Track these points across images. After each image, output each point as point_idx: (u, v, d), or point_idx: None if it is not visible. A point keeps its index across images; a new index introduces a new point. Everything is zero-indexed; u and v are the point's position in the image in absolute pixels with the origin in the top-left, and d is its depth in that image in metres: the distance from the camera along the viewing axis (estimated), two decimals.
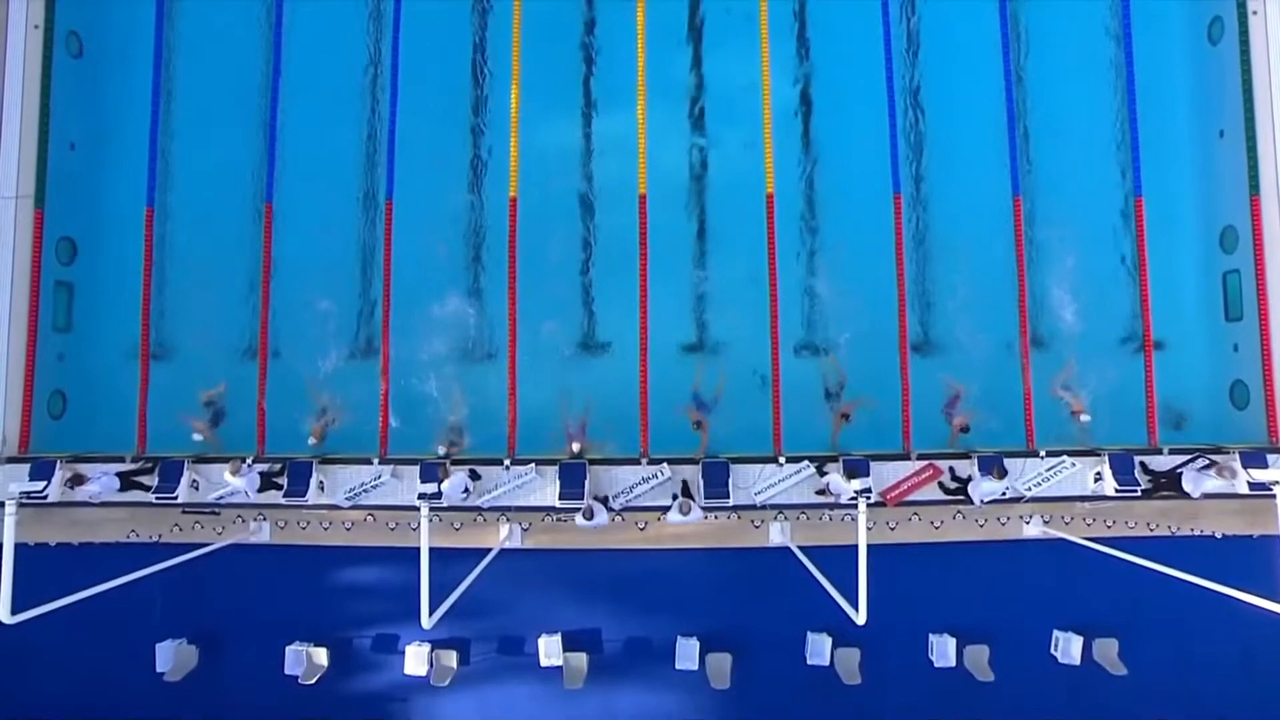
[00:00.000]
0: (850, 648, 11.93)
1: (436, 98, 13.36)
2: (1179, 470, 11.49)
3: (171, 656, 12.01)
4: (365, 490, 11.81)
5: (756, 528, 12.00)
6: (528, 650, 12.11)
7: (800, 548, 11.07)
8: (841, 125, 13.34)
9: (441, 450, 11.82)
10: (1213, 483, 11.04)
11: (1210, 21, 13.22)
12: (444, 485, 11.09)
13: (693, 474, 11.69)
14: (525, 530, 12.08)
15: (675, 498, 11.43)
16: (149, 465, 11.74)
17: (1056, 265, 12.95)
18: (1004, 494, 11.36)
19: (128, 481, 11.59)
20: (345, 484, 11.83)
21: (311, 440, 11.96)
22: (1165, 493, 11.55)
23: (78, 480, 11.25)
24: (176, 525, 12.05)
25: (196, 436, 12.08)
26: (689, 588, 12.24)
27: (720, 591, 12.30)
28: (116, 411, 12.63)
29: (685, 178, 13.22)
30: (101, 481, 11.27)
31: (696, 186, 13.21)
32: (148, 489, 11.62)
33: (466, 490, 11.33)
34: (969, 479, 11.45)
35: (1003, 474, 11.04)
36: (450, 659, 12.08)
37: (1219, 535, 11.88)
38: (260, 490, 11.47)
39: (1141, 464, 11.69)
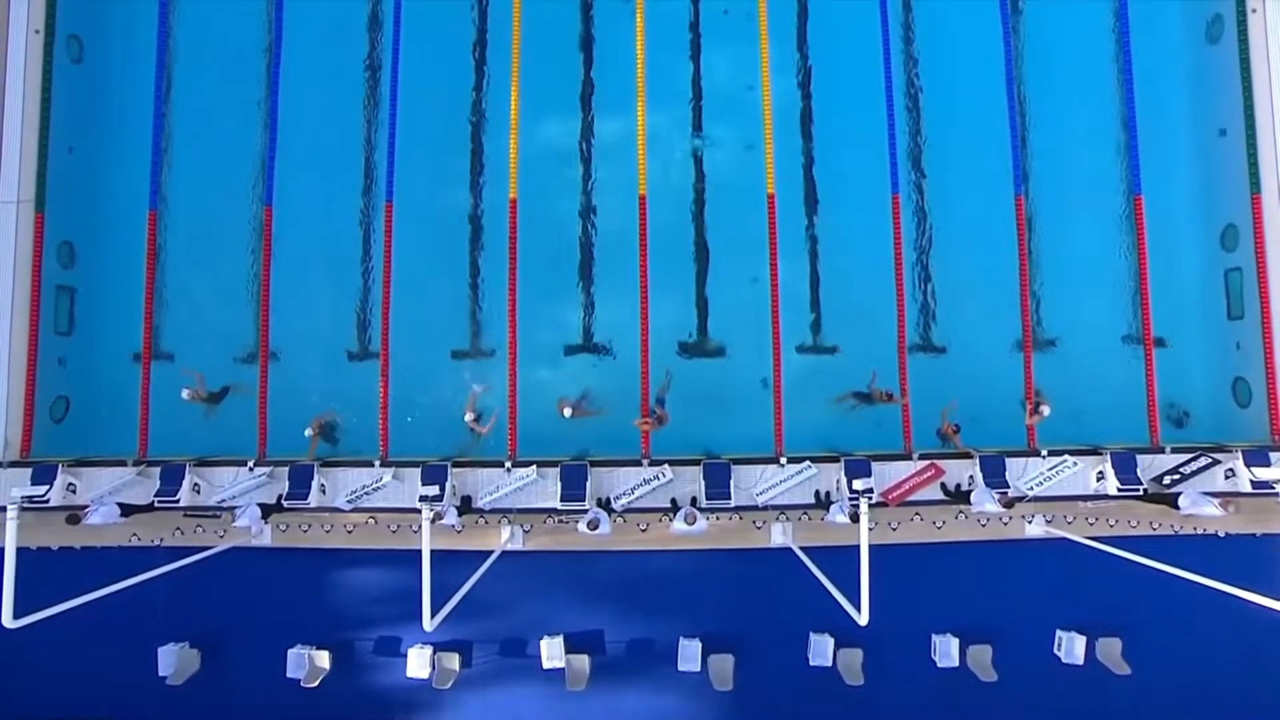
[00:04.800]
0: (853, 648, 11.90)
1: (436, 99, 13.38)
2: (1176, 489, 11.52)
3: (174, 660, 12.01)
4: (367, 493, 11.82)
5: (758, 528, 11.99)
6: (530, 652, 12.09)
7: (802, 548, 11.05)
8: (842, 125, 13.34)
9: (469, 417, 11.93)
10: (1211, 509, 11.03)
11: (1210, 20, 13.23)
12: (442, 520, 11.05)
13: (695, 477, 11.70)
14: (527, 532, 12.07)
15: (679, 508, 11.49)
16: (148, 505, 11.64)
17: (1057, 264, 12.95)
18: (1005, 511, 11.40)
19: (128, 509, 11.53)
20: (347, 487, 11.85)
21: (308, 433, 11.98)
22: (1160, 502, 11.59)
23: (74, 519, 10.94)
24: (178, 529, 12.04)
25: (185, 394, 12.08)
26: (691, 589, 12.22)
27: (722, 593, 12.27)
28: (118, 415, 12.67)
29: (686, 178, 13.22)
30: (101, 512, 11.14)
31: (696, 187, 13.21)
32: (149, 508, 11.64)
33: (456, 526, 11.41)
34: (971, 486, 11.46)
35: (1010, 505, 11.12)
36: (453, 661, 12.07)
37: (1222, 534, 11.86)
38: (264, 518, 11.53)
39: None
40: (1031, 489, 11.64)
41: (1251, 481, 11.42)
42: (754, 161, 12.95)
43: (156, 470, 11.81)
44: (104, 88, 13.48)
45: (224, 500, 11.82)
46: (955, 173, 13.20)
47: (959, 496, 11.70)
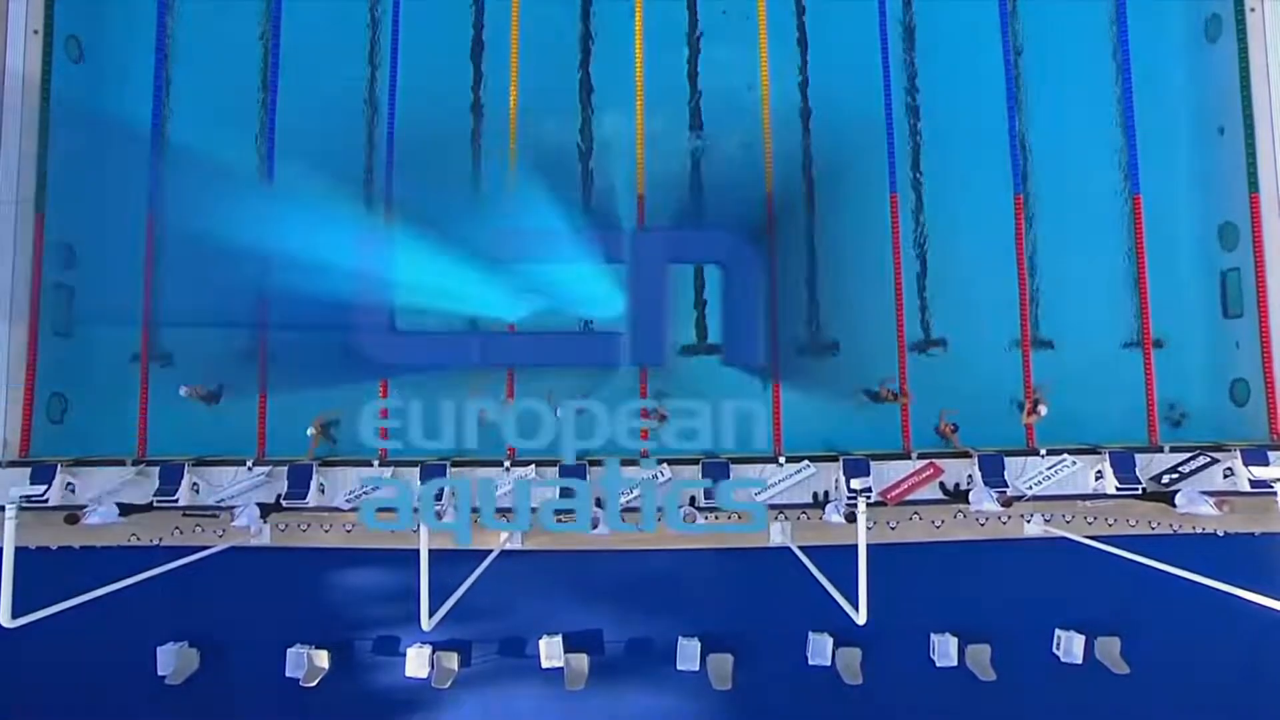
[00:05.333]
0: (852, 647, 11.92)
1: (435, 99, 13.36)
2: (1174, 487, 11.54)
3: (173, 659, 12.02)
4: (365, 492, 11.81)
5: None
6: (529, 652, 12.11)
7: (801, 548, 11.06)
8: (841, 124, 13.34)
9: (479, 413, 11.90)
10: (1207, 509, 11.06)
11: (1208, 19, 13.23)
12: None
13: (694, 476, 11.69)
14: (525, 531, 12.06)
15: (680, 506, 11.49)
16: (147, 505, 11.64)
17: (1056, 263, 12.95)
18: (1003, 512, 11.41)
19: (127, 509, 11.53)
20: (346, 486, 11.86)
21: (310, 431, 11.98)
22: (1158, 500, 11.60)
23: (73, 519, 10.97)
24: (177, 528, 12.05)
25: (183, 391, 12.10)
26: (690, 588, 12.23)
27: (721, 592, 12.29)
28: (117, 415, 12.65)
29: (684, 177, 13.22)
30: (100, 512, 11.15)
31: (695, 186, 13.22)
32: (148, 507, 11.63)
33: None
34: (970, 485, 11.47)
35: (1008, 504, 11.16)
36: (452, 661, 12.07)
37: (1221, 533, 11.86)
38: (263, 518, 11.55)
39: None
40: (1030, 488, 11.65)
41: (1250, 480, 11.43)
42: (753, 160, 12.95)
43: (155, 470, 11.81)
44: (104, 88, 13.48)
45: (223, 500, 11.83)
46: (954, 172, 13.19)
47: (958, 496, 11.71)
